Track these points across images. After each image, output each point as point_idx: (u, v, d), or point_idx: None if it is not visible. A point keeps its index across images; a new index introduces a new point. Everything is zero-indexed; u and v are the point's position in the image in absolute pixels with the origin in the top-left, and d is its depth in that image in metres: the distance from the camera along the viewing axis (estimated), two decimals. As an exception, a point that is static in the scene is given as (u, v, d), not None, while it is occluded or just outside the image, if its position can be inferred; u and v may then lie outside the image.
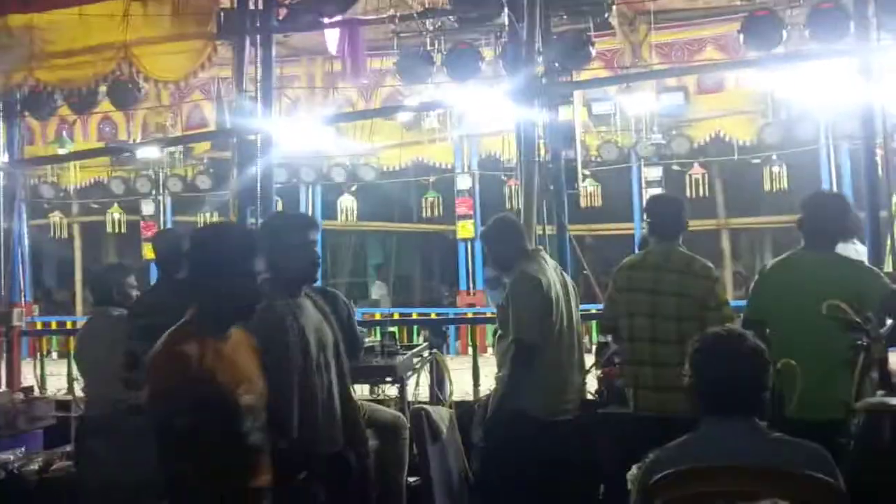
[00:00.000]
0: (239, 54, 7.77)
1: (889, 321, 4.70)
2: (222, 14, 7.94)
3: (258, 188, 7.49)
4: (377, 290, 15.12)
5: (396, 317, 11.35)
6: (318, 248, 3.87)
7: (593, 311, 7.46)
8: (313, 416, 3.58)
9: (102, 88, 8.56)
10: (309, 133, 11.40)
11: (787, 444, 2.76)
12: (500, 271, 5.27)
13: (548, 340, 4.86)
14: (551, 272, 5.02)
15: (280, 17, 7.89)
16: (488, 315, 10.07)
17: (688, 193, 11.78)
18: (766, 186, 11.70)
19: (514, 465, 4.74)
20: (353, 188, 12.99)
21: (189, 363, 2.90)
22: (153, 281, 10.72)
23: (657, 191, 10.95)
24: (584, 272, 8.20)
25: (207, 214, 12.95)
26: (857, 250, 5.57)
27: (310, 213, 12.81)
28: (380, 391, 6.57)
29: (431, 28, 8.43)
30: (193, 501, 2.92)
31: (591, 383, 6.53)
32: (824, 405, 4.04)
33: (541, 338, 4.82)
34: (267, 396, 3.18)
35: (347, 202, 13.02)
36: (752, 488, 2.59)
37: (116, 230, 14.21)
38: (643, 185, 11.71)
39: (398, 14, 8.59)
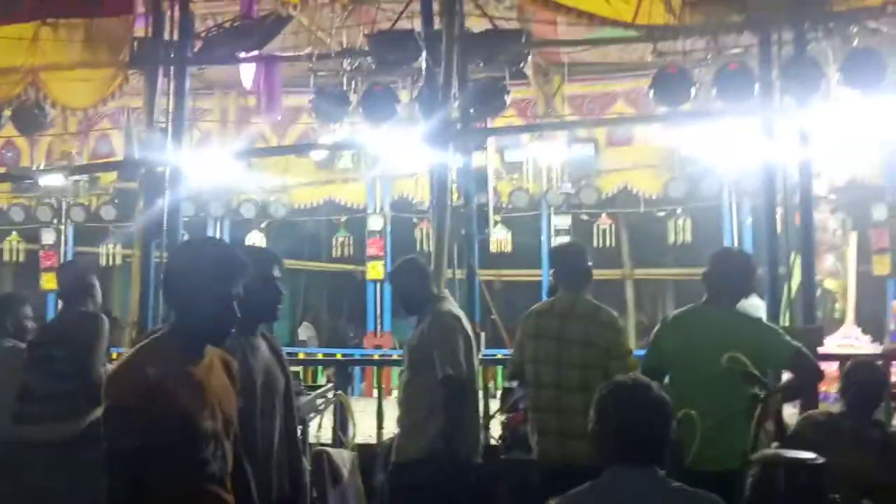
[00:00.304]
0: (151, 85, 7.64)
1: (784, 376, 4.85)
2: (136, 43, 7.82)
3: (165, 221, 7.33)
4: (304, 332, 14.93)
5: (301, 356, 11.19)
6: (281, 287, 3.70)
7: (500, 356, 7.49)
8: (251, 462, 3.39)
9: (7, 112, 8.31)
10: (219, 167, 11.24)
11: (686, 495, 2.79)
12: (408, 313, 5.24)
13: (471, 379, 4.89)
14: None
15: (195, 49, 7.80)
16: (395, 357, 10.00)
17: (595, 243, 11.99)
18: (671, 239, 11.99)
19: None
20: (264, 224, 12.84)
21: (146, 382, 2.73)
22: (50, 312, 10.35)
23: (566, 239, 11.11)
24: (493, 317, 8.26)
25: (111, 246, 12.62)
26: (755, 305, 5.73)
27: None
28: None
29: (349, 68, 8.43)
30: None
31: (496, 429, 6.54)
32: (722, 456, 4.11)
33: (468, 375, 4.83)
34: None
35: (256, 238, 12.84)
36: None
37: (14, 259, 13.73)
38: (552, 232, 11.88)
39: (315, 52, 8.59)
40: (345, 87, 8.39)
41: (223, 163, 11.30)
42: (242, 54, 7.92)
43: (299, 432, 6.16)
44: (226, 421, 2.95)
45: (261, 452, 3.48)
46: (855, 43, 6.98)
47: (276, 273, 3.67)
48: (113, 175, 12.35)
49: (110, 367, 3.11)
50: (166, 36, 7.63)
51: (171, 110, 7.58)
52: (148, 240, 7.42)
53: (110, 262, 12.84)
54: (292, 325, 14.91)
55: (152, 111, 7.58)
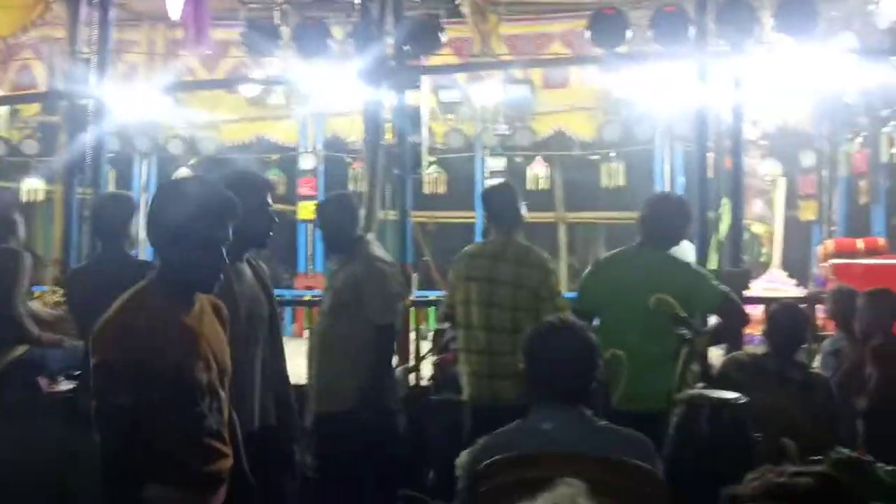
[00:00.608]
0: (73, 14, 7.37)
1: (712, 320, 4.92)
2: (57, -30, 7.51)
3: (88, 156, 7.11)
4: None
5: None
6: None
7: (432, 298, 7.48)
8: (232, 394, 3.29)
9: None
10: (146, 101, 10.91)
11: (612, 433, 2.82)
12: (330, 251, 5.14)
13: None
14: None
15: (119, -23, 7.53)
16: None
17: (529, 186, 11.98)
18: (604, 183, 12.04)
19: (356, 453, 4.64)
20: (192, 162, 12.56)
21: (136, 335, 2.58)
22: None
23: (499, 181, 11.08)
24: (424, 258, 8.23)
25: (33, 180, 12.25)
26: (684, 249, 5.78)
27: (143, 185, 12.32)
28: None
29: (280, 0, 8.22)
30: (136, 490, 2.59)
31: (427, 370, 6.56)
32: (649, 396, 4.17)
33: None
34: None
35: (185, 176, 12.56)
36: (576, 475, 2.62)
37: (-70, 193, 13.25)
38: (487, 174, 11.84)
39: (246, -17, 8.35)
40: (276, 21, 8.19)
41: (150, 97, 10.94)
42: (169, -17, 7.66)
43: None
44: (220, 371, 2.82)
45: (243, 383, 3.36)
46: (790, -12, 6.99)
47: (269, 199, 3.56)
48: (35, 107, 11.94)
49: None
50: (89, -38, 7.34)
51: (95, 41, 7.31)
52: (71, 175, 7.22)
53: (32, 198, 12.45)
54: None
55: (75, 42, 7.31)
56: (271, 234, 3.57)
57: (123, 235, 4.77)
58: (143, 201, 12.06)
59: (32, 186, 12.33)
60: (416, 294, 7.25)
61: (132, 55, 12.04)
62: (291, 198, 12.61)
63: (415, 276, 6.90)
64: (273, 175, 12.28)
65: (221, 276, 2.79)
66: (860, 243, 9.52)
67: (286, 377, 3.72)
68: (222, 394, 2.83)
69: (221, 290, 2.91)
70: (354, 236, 4.89)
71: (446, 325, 5.77)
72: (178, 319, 2.71)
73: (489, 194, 5.36)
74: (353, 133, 11.28)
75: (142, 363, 2.57)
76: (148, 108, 11.14)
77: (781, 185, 11.28)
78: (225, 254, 2.75)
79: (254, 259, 3.60)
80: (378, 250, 4.90)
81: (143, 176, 12.59)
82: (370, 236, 5.22)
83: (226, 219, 2.74)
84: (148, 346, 2.59)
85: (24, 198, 12.24)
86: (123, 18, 10.51)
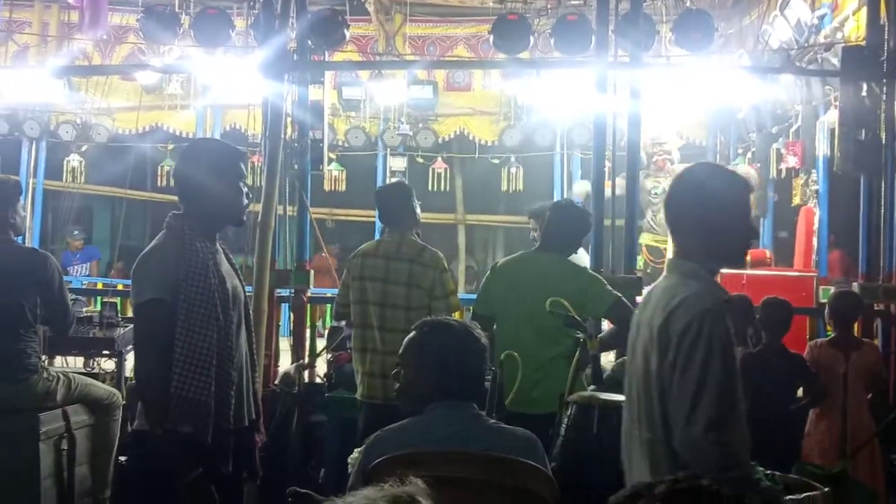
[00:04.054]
0: (-40, -11, 7.04)
1: (605, 325, 5.02)
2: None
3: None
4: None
5: (120, 288, 10.74)
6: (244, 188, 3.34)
7: (329, 295, 7.41)
8: (230, 385, 3.14)
9: None
10: (37, 84, 10.54)
11: (501, 431, 2.83)
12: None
13: None
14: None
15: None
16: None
17: (430, 187, 12.01)
18: (503, 186, 12.15)
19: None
20: (84, 148, 12.16)
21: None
22: None
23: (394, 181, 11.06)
24: (323, 255, 8.14)
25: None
26: (580, 256, 5.87)
27: (31, 171, 11.87)
28: (95, 364, 6.16)
29: (181, -13, 8.03)
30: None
31: (321, 367, 6.50)
32: (543, 399, 4.22)
33: None
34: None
35: (75, 163, 12.15)
36: (466, 473, 2.63)
37: None
38: (388, 174, 11.81)
39: (146, -32, 8.13)
40: (176, 9, 7.99)
41: (41, 80, 10.58)
42: (65, -36, 7.40)
43: (114, 365, 5.98)
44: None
45: (239, 372, 3.24)
46: (688, 3, 7.18)
47: (244, 172, 3.35)
48: (-84, 86, 11.40)
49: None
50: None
51: (-18, 19, 7.01)
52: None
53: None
54: (112, 256, 14.28)
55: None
56: (246, 210, 3.37)
57: (7, 221, 4.59)
58: (31, 187, 11.65)
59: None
60: (313, 291, 7.18)
61: (24, 35, 11.60)
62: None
63: (312, 273, 6.82)
64: (166, 165, 11.99)
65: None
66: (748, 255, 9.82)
67: (256, 366, 3.55)
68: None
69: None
70: None
71: (342, 323, 5.73)
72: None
73: (382, 194, 5.33)
74: (253, 125, 11.09)
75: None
76: (38, 92, 10.77)
77: (674, 195, 11.54)
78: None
79: (220, 241, 3.38)
80: None
81: (32, 160, 12.12)
82: None
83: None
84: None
85: None
86: (15, -3, 10.16)
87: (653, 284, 2.70)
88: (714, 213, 2.53)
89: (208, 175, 3.21)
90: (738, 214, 2.59)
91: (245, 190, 3.32)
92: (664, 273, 2.65)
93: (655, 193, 10.79)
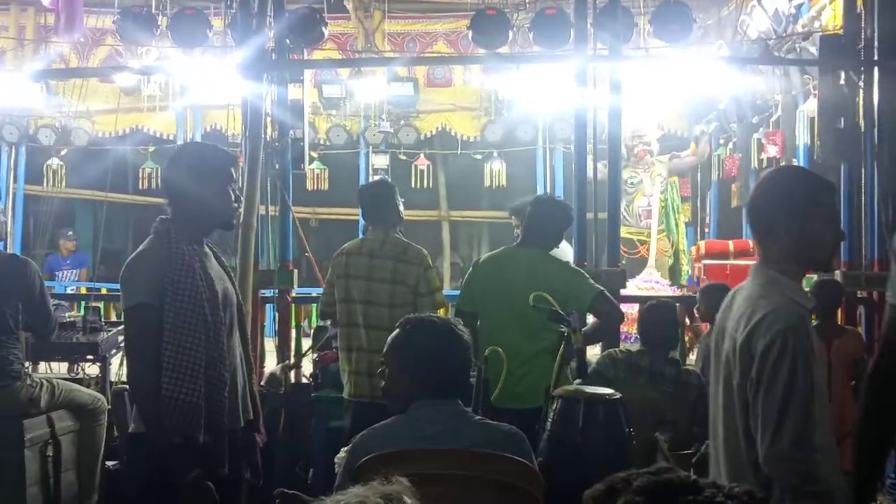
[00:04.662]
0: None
1: (590, 319, 5.02)
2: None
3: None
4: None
5: (104, 292, 10.68)
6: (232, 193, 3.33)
7: (314, 295, 7.39)
8: (223, 386, 3.14)
9: None
10: (14, 88, 10.45)
11: (487, 427, 2.83)
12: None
13: None
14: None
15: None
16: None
17: (413, 184, 11.99)
18: (487, 182, 12.14)
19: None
20: (63, 152, 12.07)
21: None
22: None
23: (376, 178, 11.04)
24: (307, 255, 8.12)
25: None
26: (564, 249, 5.88)
27: (11, 176, 11.77)
28: (79, 369, 6.13)
29: (157, -12, 7.97)
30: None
31: (307, 367, 6.49)
32: (528, 394, 4.22)
33: None
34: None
35: (55, 167, 12.06)
36: (452, 470, 2.63)
37: None
38: (370, 171, 11.79)
39: (121, -30, 8.07)
40: (153, 10, 7.93)
41: (19, 84, 10.50)
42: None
43: (98, 370, 5.94)
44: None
45: (231, 371, 3.23)
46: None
47: (234, 176, 3.35)
48: None
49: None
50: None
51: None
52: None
53: None
54: (94, 259, 14.17)
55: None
56: (237, 213, 3.43)
57: None
58: (11, 192, 11.55)
59: None
60: (298, 290, 7.16)
61: (0, 40, 11.51)
62: (168, 191, 12.24)
63: (296, 273, 6.80)
64: (147, 167, 11.93)
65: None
66: (731, 245, 9.88)
67: (252, 368, 3.56)
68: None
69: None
70: None
71: (328, 322, 5.72)
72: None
73: (365, 192, 5.33)
74: (233, 125, 11.05)
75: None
76: (16, 96, 10.68)
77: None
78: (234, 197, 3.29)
79: (210, 243, 3.39)
80: None
81: (12, 165, 12.01)
82: None
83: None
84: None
85: None
86: (-9, 1, 10.08)
87: (736, 287, 2.64)
88: (807, 220, 2.49)
89: (196, 179, 3.22)
90: (829, 219, 2.56)
91: (234, 194, 3.32)
92: (748, 278, 2.59)
93: (632, 184, 10.83)
